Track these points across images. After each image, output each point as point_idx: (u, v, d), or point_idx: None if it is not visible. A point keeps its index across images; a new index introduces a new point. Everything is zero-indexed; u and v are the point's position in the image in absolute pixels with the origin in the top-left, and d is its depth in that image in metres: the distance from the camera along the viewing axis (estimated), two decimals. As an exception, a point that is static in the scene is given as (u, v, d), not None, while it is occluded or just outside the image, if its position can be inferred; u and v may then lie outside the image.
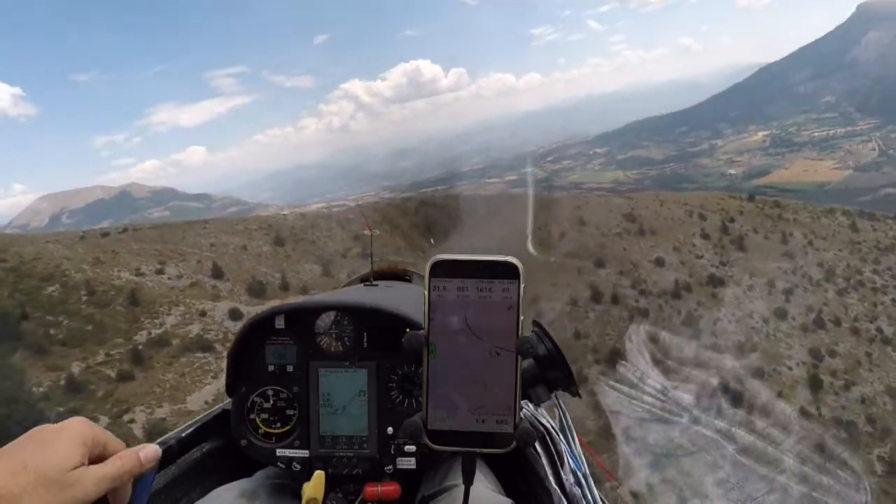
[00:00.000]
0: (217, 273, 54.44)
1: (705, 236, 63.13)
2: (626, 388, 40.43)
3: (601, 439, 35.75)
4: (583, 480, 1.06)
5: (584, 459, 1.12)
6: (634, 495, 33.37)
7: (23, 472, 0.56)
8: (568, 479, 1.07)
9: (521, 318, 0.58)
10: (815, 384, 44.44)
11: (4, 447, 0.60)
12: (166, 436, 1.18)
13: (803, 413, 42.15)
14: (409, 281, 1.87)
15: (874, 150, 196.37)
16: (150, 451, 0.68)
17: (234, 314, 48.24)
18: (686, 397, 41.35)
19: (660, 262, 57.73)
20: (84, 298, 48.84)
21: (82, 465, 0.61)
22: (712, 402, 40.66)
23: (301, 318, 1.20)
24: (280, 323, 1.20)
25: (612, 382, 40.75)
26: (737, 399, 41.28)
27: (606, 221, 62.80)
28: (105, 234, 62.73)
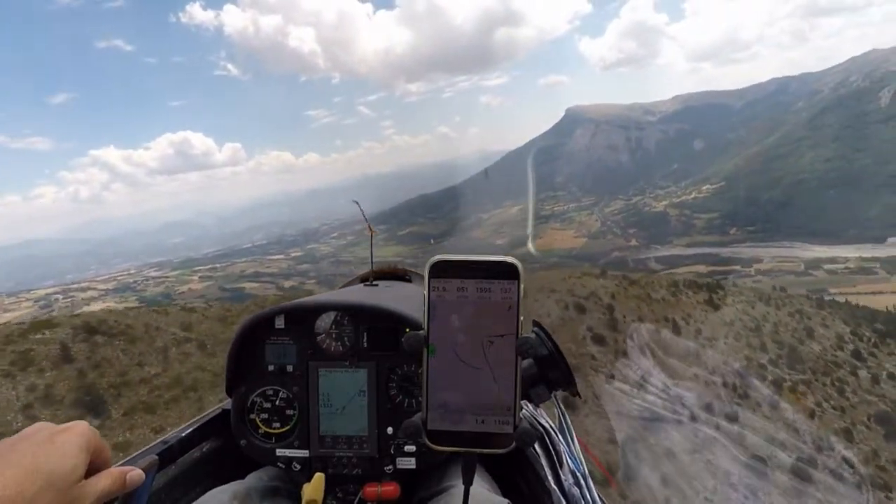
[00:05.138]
0: None
1: (598, 339, 41.55)
2: None
3: None
4: (582, 481, 1.02)
5: (582, 460, 1.08)
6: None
7: (34, 474, 0.53)
8: (567, 479, 1.03)
9: (521, 318, 0.56)
10: None
11: (8, 441, 0.57)
12: (167, 435, 1.14)
13: None
14: (409, 281, 1.77)
15: (597, 221, 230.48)
16: (136, 475, 0.66)
17: None
18: None
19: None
20: None
21: (84, 475, 0.59)
22: None
23: (301, 318, 1.16)
24: (280, 323, 1.16)
25: None
26: None
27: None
28: None
